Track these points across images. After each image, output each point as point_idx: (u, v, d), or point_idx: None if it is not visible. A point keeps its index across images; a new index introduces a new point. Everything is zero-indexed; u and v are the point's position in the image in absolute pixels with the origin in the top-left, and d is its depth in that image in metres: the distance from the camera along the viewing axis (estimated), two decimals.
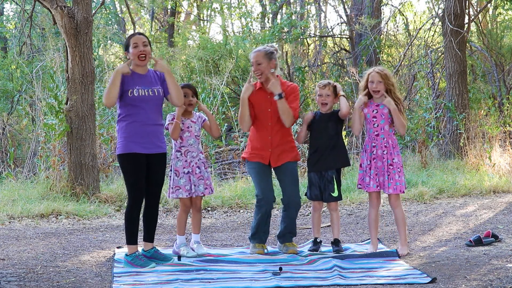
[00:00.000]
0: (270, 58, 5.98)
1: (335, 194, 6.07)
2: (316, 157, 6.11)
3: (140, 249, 5.73)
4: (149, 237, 5.75)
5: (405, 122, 5.96)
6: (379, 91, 5.92)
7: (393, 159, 5.91)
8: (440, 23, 13.14)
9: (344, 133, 6.10)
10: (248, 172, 6.21)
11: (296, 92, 6.06)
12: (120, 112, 5.64)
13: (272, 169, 6.15)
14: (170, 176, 6.03)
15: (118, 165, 6.21)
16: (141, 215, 5.73)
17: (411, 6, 17.29)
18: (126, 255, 5.60)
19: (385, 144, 5.93)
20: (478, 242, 6.22)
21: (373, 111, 5.96)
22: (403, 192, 6.00)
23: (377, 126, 5.95)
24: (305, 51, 17.81)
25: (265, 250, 6.03)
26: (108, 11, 18.75)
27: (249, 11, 20.14)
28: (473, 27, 14.69)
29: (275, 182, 6.72)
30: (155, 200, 5.76)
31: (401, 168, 5.96)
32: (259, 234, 6.02)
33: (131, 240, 5.60)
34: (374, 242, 6.02)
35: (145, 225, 5.75)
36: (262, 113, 6.02)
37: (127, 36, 5.77)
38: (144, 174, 5.59)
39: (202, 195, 6.06)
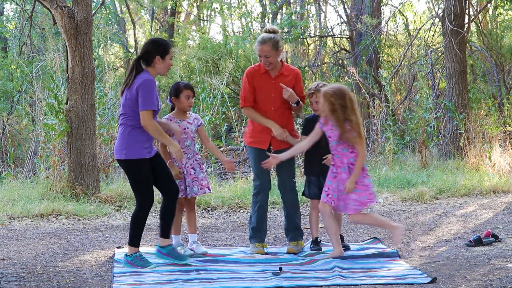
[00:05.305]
0: (277, 48, 5.93)
1: None
2: (313, 163, 6.07)
3: (145, 246, 5.72)
4: (166, 233, 5.69)
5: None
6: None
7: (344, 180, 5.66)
8: (440, 23, 13.13)
9: None
10: (249, 157, 6.20)
11: (301, 78, 6.10)
12: (133, 116, 5.49)
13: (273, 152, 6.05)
14: None
15: (118, 165, 6.20)
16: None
17: (411, 6, 17.28)
18: (126, 255, 5.61)
19: (339, 164, 5.71)
20: (478, 242, 6.22)
21: (329, 130, 5.74)
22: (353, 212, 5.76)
23: (331, 146, 5.74)
24: (305, 51, 17.79)
25: (265, 250, 6.03)
26: (108, 11, 18.73)
27: (249, 11, 20.10)
28: (473, 27, 14.67)
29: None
30: (175, 195, 5.68)
31: (355, 188, 5.64)
32: (260, 233, 6.02)
33: (134, 242, 5.59)
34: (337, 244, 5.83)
35: (164, 222, 5.66)
36: (266, 97, 5.99)
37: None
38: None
39: (196, 195, 6.07)
